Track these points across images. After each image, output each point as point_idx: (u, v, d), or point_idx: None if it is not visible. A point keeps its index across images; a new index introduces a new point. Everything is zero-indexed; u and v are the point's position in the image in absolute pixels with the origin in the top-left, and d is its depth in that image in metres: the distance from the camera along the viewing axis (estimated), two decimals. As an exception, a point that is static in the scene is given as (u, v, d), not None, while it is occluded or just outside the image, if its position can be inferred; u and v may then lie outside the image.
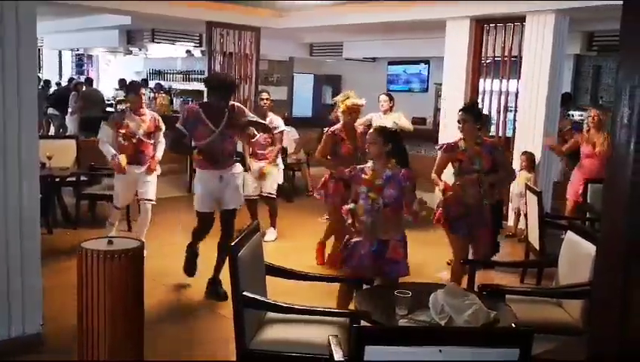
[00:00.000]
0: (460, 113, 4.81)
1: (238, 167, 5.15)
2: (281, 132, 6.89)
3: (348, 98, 5.64)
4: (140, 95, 5.87)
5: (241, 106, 5.05)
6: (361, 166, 4.08)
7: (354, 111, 5.63)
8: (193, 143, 5.01)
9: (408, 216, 3.90)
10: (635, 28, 1.78)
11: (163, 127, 6.01)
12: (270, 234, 6.82)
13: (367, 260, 3.84)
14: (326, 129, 5.90)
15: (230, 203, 5.00)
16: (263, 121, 5.55)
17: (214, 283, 5.01)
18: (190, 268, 5.21)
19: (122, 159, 5.75)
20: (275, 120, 6.75)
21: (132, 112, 5.85)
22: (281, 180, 7.04)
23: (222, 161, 4.87)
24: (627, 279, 1.81)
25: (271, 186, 6.81)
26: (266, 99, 6.78)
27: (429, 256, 6.00)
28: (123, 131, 5.80)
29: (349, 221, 3.96)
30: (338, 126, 5.65)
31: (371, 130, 4.16)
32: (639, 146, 1.75)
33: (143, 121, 5.85)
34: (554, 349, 2.52)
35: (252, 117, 5.11)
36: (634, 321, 1.81)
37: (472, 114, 4.78)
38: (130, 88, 6.24)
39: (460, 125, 4.77)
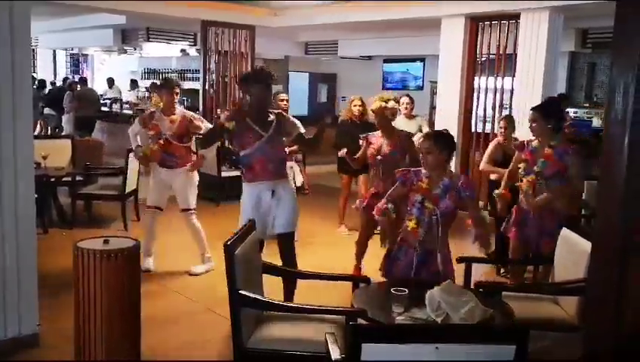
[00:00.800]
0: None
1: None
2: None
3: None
4: (173, 94, 5.43)
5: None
6: (415, 169, 3.78)
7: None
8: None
9: (471, 228, 3.72)
10: (628, 24, 1.79)
11: (201, 125, 5.48)
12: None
13: (410, 270, 3.64)
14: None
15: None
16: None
17: None
18: None
19: (145, 149, 5.44)
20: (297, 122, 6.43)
21: (162, 113, 5.43)
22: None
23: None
24: (622, 275, 1.82)
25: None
26: (286, 100, 6.46)
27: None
28: (151, 132, 5.44)
29: (379, 219, 3.79)
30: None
31: (423, 138, 3.84)
32: (633, 142, 1.76)
33: (172, 122, 5.40)
34: (550, 346, 2.53)
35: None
36: (629, 317, 1.82)
37: (540, 112, 4.46)
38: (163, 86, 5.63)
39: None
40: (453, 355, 2.12)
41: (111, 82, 15.63)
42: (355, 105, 6.73)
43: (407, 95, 7.55)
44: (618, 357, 1.83)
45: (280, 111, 4.52)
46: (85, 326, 3.43)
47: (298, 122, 4.43)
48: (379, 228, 5.77)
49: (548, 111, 4.48)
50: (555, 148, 4.39)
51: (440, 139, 3.65)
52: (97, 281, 3.37)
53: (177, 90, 5.49)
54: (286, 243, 4.29)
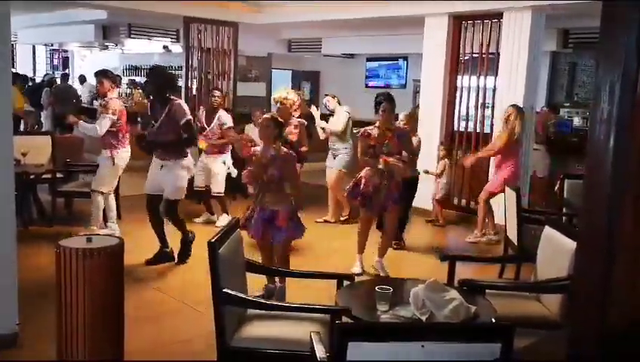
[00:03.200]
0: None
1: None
2: (229, 128, 7.16)
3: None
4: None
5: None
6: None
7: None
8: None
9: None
10: (614, 23, 1.80)
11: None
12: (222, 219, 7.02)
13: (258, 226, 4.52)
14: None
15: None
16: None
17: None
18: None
19: None
20: (223, 117, 7.14)
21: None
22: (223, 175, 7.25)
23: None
24: (607, 274, 1.83)
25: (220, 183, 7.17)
26: (218, 96, 7.22)
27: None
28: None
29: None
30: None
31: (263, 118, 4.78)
32: (618, 141, 1.77)
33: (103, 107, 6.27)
34: (532, 344, 2.54)
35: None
36: (614, 317, 1.83)
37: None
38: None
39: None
40: (439, 353, 2.11)
41: (83, 79, 15.43)
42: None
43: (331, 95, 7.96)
44: (602, 357, 1.84)
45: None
46: (67, 326, 3.38)
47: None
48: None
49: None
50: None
51: (275, 119, 4.67)
52: (80, 280, 3.32)
53: (102, 79, 6.24)
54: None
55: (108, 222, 6.43)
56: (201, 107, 7.22)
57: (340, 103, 7.68)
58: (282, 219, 4.50)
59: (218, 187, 7.16)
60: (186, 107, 5.56)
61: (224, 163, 7.21)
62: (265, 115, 4.88)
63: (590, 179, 1.92)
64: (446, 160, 7.84)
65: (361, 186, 5.45)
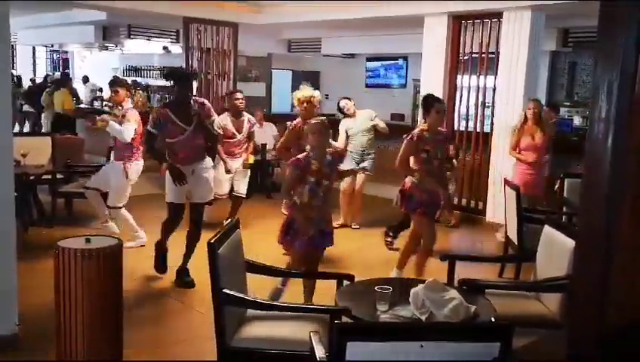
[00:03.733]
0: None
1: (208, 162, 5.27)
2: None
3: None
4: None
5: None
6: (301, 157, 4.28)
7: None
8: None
9: None
10: (612, 22, 1.80)
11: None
12: None
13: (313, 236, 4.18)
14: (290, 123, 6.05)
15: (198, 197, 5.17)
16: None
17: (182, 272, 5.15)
18: (160, 265, 5.29)
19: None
20: (252, 119, 6.97)
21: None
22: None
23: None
24: (605, 273, 1.83)
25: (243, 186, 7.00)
26: (242, 98, 6.85)
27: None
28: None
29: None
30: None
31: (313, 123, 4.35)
32: (617, 141, 1.77)
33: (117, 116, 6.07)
34: (532, 343, 2.54)
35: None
36: (612, 316, 1.83)
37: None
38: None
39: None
40: (438, 353, 2.11)
41: (85, 80, 15.45)
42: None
43: (346, 97, 7.55)
44: (602, 357, 1.84)
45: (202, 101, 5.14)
46: (66, 326, 3.38)
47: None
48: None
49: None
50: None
51: (325, 124, 4.28)
52: (79, 281, 3.33)
53: (117, 89, 6.07)
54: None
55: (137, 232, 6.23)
56: (226, 113, 6.91)
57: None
58: (330, 221, 4.40)
59: (241, 188, 6.98)
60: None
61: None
62: (315, 120, 4.38)
63: (589, 179, 1.93)
64: (454, 160, 7.72)
65: (416, 195, 4.93)
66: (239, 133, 6.80)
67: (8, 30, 3.83)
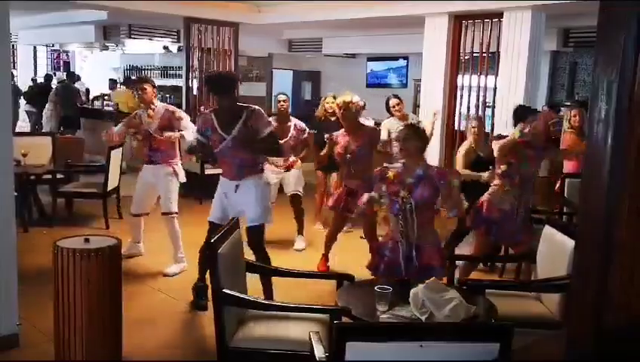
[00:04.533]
0: None
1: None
2: (310, 133, 6.50)
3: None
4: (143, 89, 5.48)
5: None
6: (390, 165, 3.84)
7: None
8: None
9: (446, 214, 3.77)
10: (611, 22, 1.80)
11: (183, 118, 5.52)
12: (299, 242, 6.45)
13: (397, 266, 3.64)
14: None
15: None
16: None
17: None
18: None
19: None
20: (299, 123, 6.44)
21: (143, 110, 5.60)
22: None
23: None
24: (604, 274, 1.83)
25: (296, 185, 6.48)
26: (284, 101, 6.45)
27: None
28: (131, 130, 5.67)
29: (367, 210, 3.83)
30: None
31: (403, 127, 3.97)
32: (616, 141, 1.77)
33: (151, 117, 5.49)
34: (532, 343, 2.54)
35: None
36: (611, 317, 1.83)
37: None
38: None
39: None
40: (438, 353, 2.12)
41: (77, 78, 15.35)
42: (327, 103, 6.80)
43: (396, 95, 7.22)
44: (600, 358, 1.84)
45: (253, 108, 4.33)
46: (65, 326, 3.39)
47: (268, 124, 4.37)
48: (349, 225, 5.85)
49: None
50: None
51: (417, 129, 3.86)
52: (77, 281, 3.33)
53: (146, 86, 5.49)
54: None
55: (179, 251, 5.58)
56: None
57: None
58: (430, 255, 3.66)
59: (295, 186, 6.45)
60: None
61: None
62: (404, 127, 3.97)
63: (588, 179, 1.92)
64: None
65: (483, 211, 4.56)
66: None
67: (8, 30, 3.83)
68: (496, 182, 4.56)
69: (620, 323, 1.86)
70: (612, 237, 1.82)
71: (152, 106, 5.52)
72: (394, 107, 6.93)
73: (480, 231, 4.63)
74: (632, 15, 1.76)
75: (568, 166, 6.62)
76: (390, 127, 6.65)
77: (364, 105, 5.50)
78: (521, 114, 4.51)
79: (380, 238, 4.12)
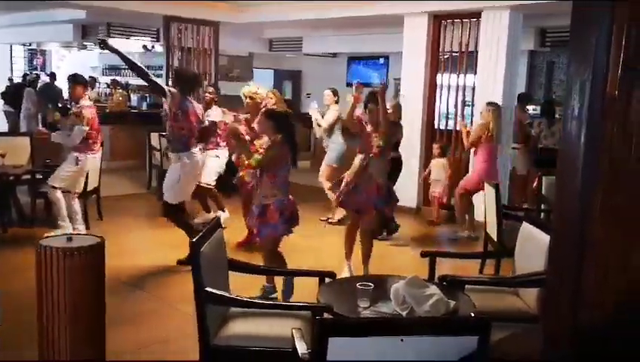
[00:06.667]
0: None
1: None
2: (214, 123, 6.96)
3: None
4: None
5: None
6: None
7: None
8: None
9: None
10: (585, 21, 1.84)
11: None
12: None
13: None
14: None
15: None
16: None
17: None
18: None
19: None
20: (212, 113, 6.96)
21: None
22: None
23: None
24: (579, 270, 1.87)
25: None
26: (211, 92, 7.25)
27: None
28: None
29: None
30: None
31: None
32: (589, 139, 1.81)
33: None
34: (509, 336, 2.60)
35: None
36: (585, 314, 1.87)
37: None
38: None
39: None
40: (418, 347, 2.16)
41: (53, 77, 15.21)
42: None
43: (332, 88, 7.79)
44: (575, 355, 1.88)
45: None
46: (49, 326, 3.37)
47: None
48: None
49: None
50: None
51: (271, 112, 4.59)
52: (60, 280, 3.31)
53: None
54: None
55: (75, 224, 6.34)
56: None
57: (337, 100, 7.61)
58: (271, 215, 4.41)
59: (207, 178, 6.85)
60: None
61: (217, 157, 7.03)
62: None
63: (562, 177, 1.97)
64: (440, 159, 7.82)
65: None
66: None
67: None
68: None
69: (595, 321, 1.91)
70: (586, 236, 1.86)
71: (79, 105, 6.19)
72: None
73: None
74: (603, 15, 1.81)
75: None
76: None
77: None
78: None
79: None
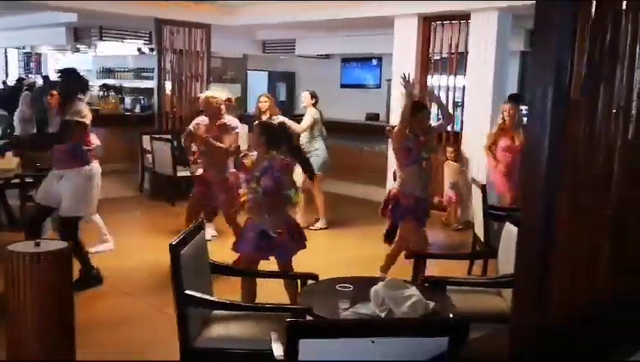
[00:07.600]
0: None
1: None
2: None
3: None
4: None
5: None
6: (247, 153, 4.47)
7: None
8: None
9: None
10: (547, 24, 1.86)
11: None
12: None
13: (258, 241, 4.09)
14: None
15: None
16: None
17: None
18: None
19: None
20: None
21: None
22: None
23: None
24: (545, 268, 1.89)
25: None
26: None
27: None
28: None
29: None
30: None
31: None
32: (553, 140, 1.83)
33: None
34: (483, 336, 2.61)
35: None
36: (552, 313, 1.89)
37: None
38: None
39: None
40: (390, 349, 2.17)
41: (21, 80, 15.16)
42: (261, 102, 7.03)
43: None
44: (541, 352, 1.89)
45: None
46: (18, 330, 3.41)
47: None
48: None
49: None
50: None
51: (265, 125, 4.41)
52: (28, 284, 3.37)
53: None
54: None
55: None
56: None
57: (316, 103, 7.41)
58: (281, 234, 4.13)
59: None
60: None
61: None
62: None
63: (527, 172, 1.98)
64: (454, 163, 7.77)
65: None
66: None
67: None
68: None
69: (561, 320, 1.92)
70: (552, 236, 1.88)
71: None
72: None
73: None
74: (565, 17, 1.83)
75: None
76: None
77: (232, 101, 5.90)
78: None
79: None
